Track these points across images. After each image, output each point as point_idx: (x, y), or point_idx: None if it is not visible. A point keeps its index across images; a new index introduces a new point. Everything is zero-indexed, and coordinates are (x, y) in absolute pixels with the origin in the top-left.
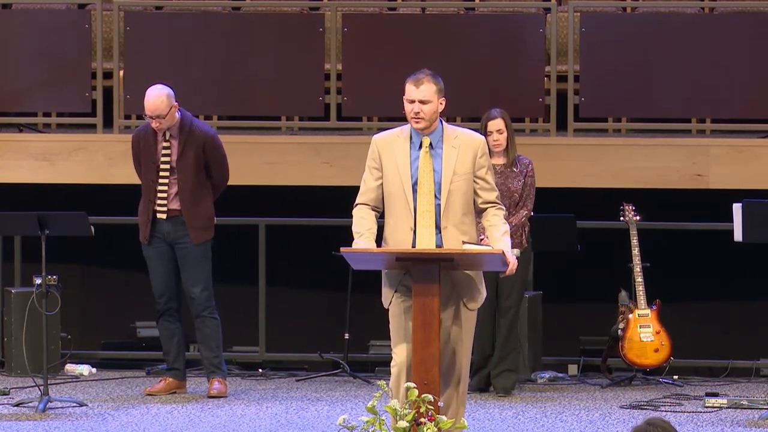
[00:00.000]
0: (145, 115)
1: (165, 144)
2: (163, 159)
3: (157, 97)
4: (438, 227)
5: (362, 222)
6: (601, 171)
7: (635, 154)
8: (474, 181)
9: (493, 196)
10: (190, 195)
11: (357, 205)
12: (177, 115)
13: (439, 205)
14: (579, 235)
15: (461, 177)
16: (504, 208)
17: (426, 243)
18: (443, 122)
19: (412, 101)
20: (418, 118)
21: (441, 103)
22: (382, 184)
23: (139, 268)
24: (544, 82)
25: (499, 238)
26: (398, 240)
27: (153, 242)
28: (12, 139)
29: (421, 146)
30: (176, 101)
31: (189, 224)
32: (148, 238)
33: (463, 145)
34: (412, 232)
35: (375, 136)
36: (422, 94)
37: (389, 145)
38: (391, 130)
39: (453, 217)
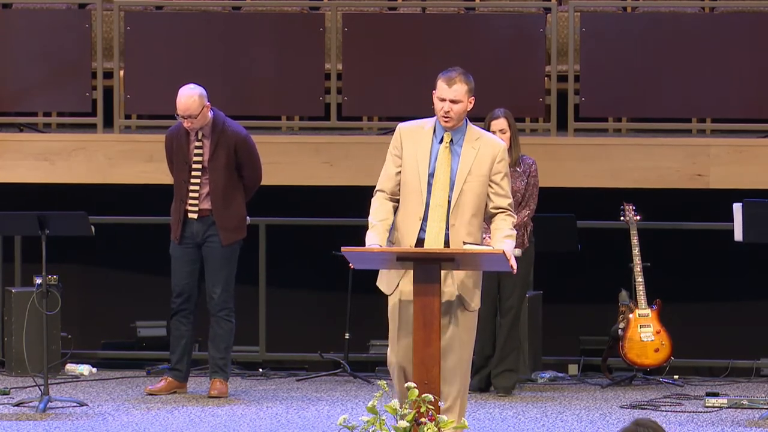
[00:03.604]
0: (177, 115)
1: (197, 144)
2: (195, 159)
3: (189, 96)
4: (447, 223)
5: (377, 212)
6: (601, 171)
7: (635, 153)
8: (489, 185)
9: (505, 203)
10: (221, 195)
11: (376, 192)
12: (209, 114)
13: (450, 201)
14: (579, 235)
15: (476, 178)
16: (514, 215)
17: (435, 237)
18: (468, 121)
19: (443, 100)
20: (448, 117)
21: (470, 103)
22: (400, 172)
23: (139, 268)
24: (545, 82)
25: (501, 239)
26: (406, 228)
27: (182, 242)
28: (12, 139)
29: (442, 140)
30: (208, 101)
31: (219, 225)
32: (179, 237)
33: (483, 147)
34: (420, 222)
35: (400, 124)
36: (454, 93)
37: (413, 134)
38: (417, 121)
39: (461, 216)
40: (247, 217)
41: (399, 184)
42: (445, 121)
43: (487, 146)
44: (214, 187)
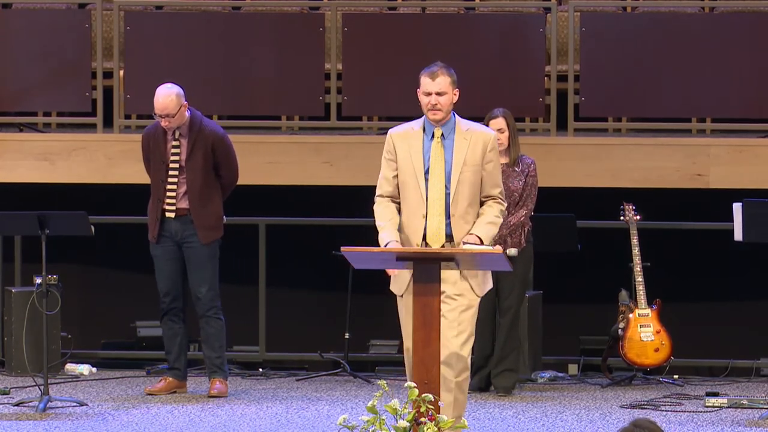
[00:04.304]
0: (155, 114)
1: (174, 143)
2: (172, 158)
3: (167, 95)
4: (447, 215)
5: (383, 213)
6: (601, 171)
7: (635, 153)
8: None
9: (495, 191)
10: (198, 194)
11: (376, 198)
12: (186, 114)
13: (449, 194)
14: (579, 235)
15: (470, 168)
16: (503, 203)
17: (436, 230)
18: (456, 115)
19: (429, 93)
20: (436, 110)
21: (455, 94)
22: (398, 175)
23: (139, 268)
24: (545, 82)
25: (482, 224)
26: (411, 227)
27: (161, 241)
28: (12, 139)
29: (433, 136)
30: (186, 100)
31: (197, 224)
32: (156, 237)
33: (474, 137)
34: (424, 219)
35: (390, 130)
36: (438, 86)
37: (404, 137)
38: (405, 124)
39: (460, 207)
40: (224, 217)
41: (398, 187)
42: (434, 114)
43: (478, 136)
44: (191, 186)
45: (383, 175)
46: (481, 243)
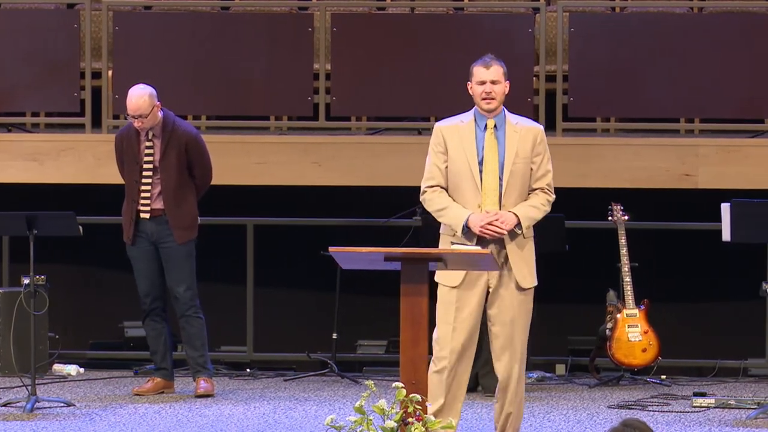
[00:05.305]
0: (128, 115)
1: (148, 144)
2: (146, 159)
3: (139, 96)
4: (500, 207)
5: (440, 198)
6: (589, 171)
7: (624, 154)
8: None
9: (542, 183)
10: (173, 195)
11: (425, 189)
12: (159, 114)
13: (502, 185)
14: (567, 235)
15: (522, 160)
16: (550, 194)
17: None
18: (505, 108)
19: (483, 82)
20: (490, 98)
21: (506, 86)
22: (447, 167)
23: (127, 268)
24: (533, 82)
25: (522, 205)
26: None
27: (137, 242)
28: (0, 139)
29: (485, 128)
30: (158, 101)
31: (172, 224)
32: (132, 238)
33: (524, 130)
34: (479, 209)
35: (437, 123)
36: (493, 75)
37: (454, 129)
38: (450, 118)
39: (511, 199)
40: (198, 217)
41: (447, 178)
42: (488, 103)
43: (528, 129)
44: (165, 186)
45: (433, 163)
46: (517, 219)
